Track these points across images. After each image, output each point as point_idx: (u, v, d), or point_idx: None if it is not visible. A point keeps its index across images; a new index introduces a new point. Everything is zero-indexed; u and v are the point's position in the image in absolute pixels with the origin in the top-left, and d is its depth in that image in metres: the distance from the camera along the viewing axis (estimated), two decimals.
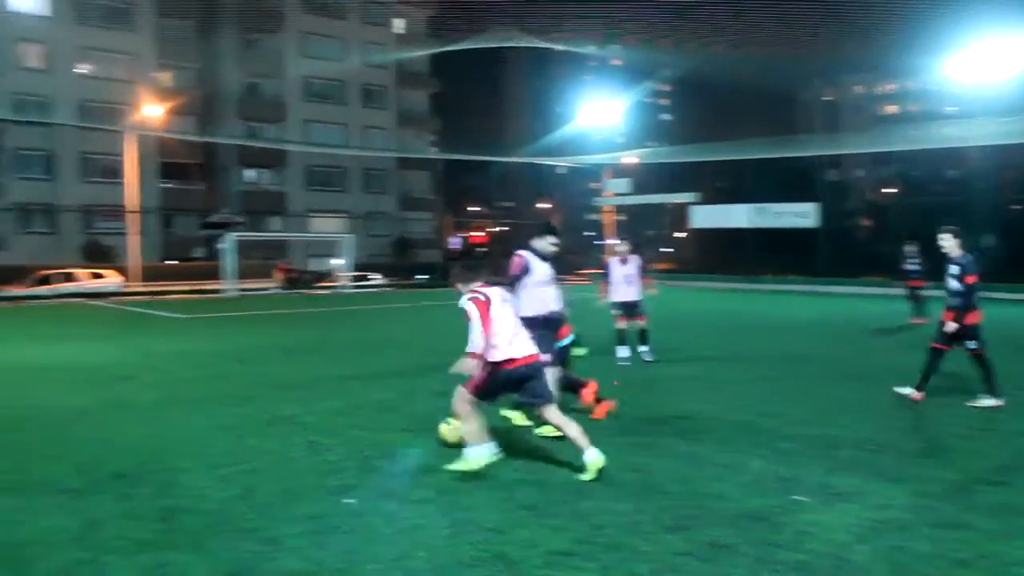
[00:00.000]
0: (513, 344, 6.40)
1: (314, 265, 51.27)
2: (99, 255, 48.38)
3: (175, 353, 14.36)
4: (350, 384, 10.56)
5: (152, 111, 48.43)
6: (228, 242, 37.55)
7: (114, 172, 50.77)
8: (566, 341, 8.21)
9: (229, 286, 36.40)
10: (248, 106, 60.25)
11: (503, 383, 6.42)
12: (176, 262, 52.92)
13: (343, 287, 40.90)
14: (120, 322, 21.76)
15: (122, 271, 40.94)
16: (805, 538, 4.88)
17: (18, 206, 50.44)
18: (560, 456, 6.74)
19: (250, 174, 61.43)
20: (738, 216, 39.26)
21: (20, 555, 4.71)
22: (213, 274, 40.27)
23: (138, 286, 40.14)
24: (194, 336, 17.75)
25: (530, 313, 7.58)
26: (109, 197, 50.39)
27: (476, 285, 6.49)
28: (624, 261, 12.53)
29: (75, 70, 52.61)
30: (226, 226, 47.46)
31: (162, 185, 55.24)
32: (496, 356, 6.31)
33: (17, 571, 4.48)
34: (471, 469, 6.22)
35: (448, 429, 7.04)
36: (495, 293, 6.49)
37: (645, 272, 12.74)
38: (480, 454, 6.28)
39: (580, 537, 4.90)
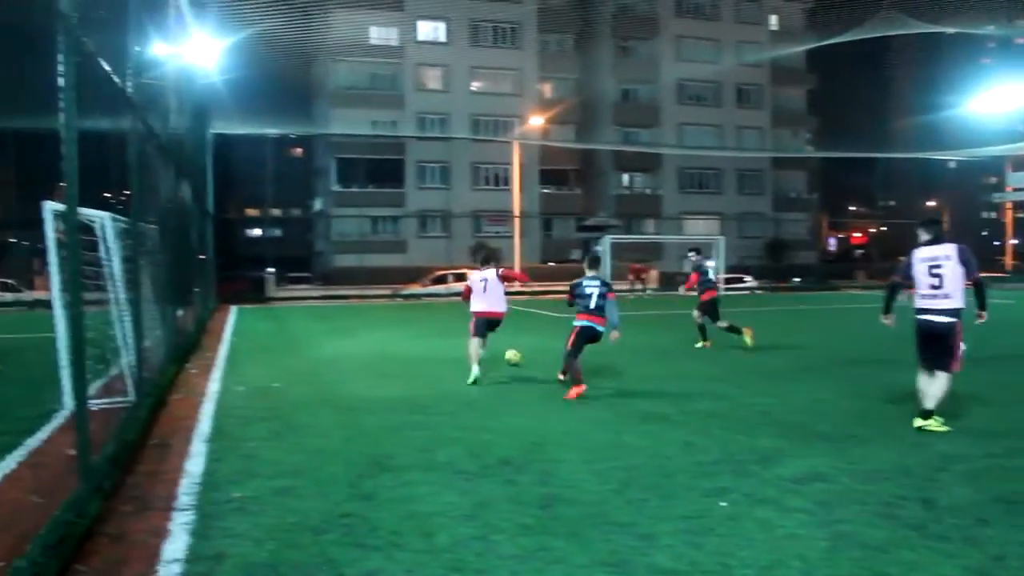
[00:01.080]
0: (481, 303, 11.35)
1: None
2: (485, 256, 52.22)
3: (553, 350, 15.09)
4: (722, 386, 10.51)
5: (534, 121, 51.50)
6: (603, 244, 38.84)
7: (500, 179, 54.76)
8: None
9: None
10: (623, 112, 61.92)
11: (478, 325, 11.27)
12: (554, 264, 55.72)
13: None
14: (507, 319, 23.29)
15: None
16: None
17: (418, 212, 56.08)
18: (950, 472, 6.27)
19: (625, 178, 63.14)
20: None
21: (426, 525, 5.25)
22: None
23: (519, 286, 42.61)
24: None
25: None
26: (494, 202, 54.64)
27: (481, 269, 11.59)
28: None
29: (467, 88, 57.40)
30: (602, 229, 49.10)
31: (542, 190, 58.49)
32: (472, 308, 11.39)
33: (423, 538, 5.01)
34: (469, 380, 10.94)
35: (512, 354, 12.49)
36: (477, 275, 11.55)
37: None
38: (473, 372, 11.02)
39: (975, 566, 4.50)
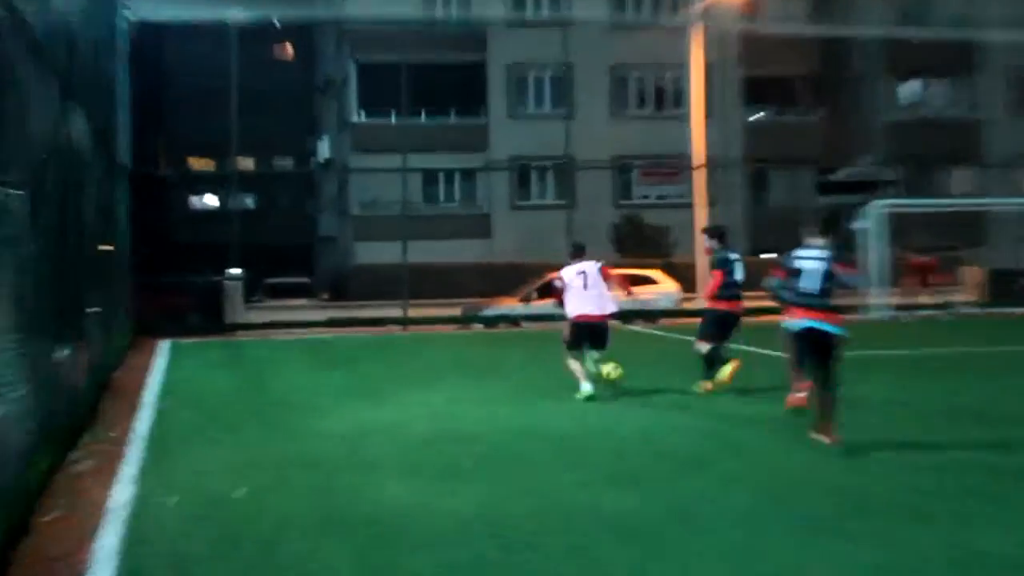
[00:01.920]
0: (583, 302, 16.71)
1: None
2: (639, 241, 51.38)
3: (773, 415, 14.66)
4: None
5: None
6: (870, 217, 37.82)
7: (666, 98, 54.45)
8: None
9: (875, 300, 36.55)
10: None
11: (579, 333, 16.86)
12: (774, 255, 55.03)
13: None
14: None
15: (674, 271, 42.86)
16: None
17: (512, 161, 55.58)
18: None
19: (909, 90, 62.15)
20: None
21: None
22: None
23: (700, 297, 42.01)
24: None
25: None
26: (655, 141, 53.91)
27: (573, 262, 17.32)
28: None
29: None
30: (866, 188, 48.35)
31: (748, 118, 58.63)
32: (572, 310, 16.92)
33: None
34: (581, 396, 16.60)
35: (610, 369, 16.84)
36: (572, 269, 17.04)
37: None
38: (583, 389, 16.69)
39: None
